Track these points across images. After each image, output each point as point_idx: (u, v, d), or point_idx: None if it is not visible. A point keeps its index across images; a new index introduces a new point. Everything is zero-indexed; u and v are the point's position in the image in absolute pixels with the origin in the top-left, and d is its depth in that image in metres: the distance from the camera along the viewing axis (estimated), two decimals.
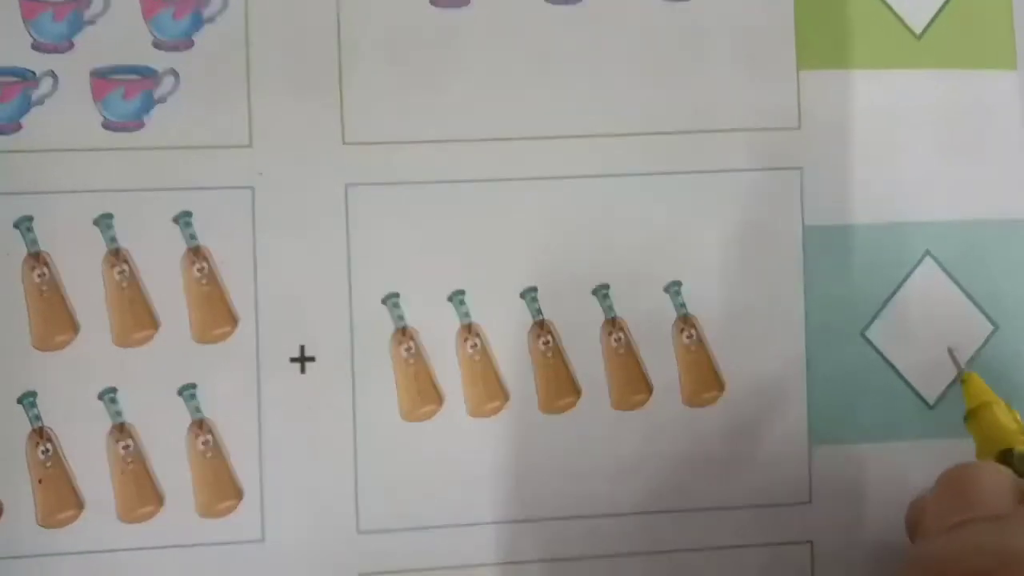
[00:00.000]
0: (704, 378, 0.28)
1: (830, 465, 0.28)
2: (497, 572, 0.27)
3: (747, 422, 0.28)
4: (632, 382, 0.28)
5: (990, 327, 0.29)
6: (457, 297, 0.28)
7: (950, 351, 0.25)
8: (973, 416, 0.23)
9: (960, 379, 0.24)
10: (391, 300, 0.28)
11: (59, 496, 0.26)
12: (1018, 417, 0.23)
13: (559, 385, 0.28)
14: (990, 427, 0.22)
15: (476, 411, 0.28)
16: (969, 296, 0.29)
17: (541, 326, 0.28)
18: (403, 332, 0.28)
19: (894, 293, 0.29)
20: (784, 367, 0.28)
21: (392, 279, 0.28)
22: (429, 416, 0.28)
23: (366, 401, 0.27)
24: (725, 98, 0.28)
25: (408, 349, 0.28)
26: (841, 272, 0.29)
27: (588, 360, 0.28)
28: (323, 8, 0.27)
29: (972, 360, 0.29)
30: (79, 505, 0.26)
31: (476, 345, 0.28)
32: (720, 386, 0.28)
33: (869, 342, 0.29)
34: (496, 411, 0.28)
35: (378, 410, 0.27)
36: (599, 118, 0.28)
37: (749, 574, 0.28)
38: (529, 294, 0.28)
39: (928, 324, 0.29)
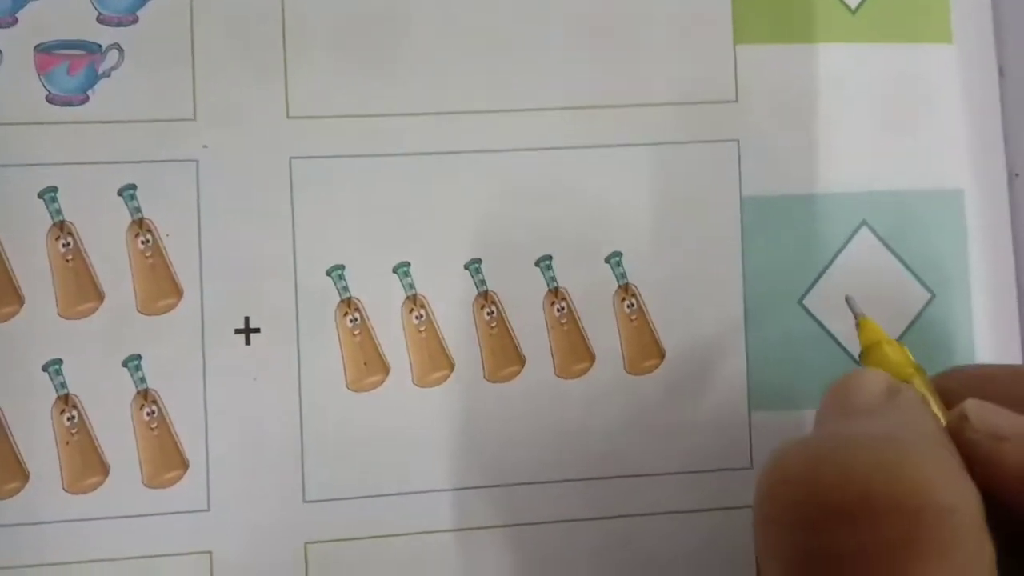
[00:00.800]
0: (645, 347, 0.29)
1: (770, 430, 0.29)
2: (444, 538, 0.28)
3: (687, 389, 0.29)
4: (575, 351, 0.29)
5: (927, 295, 0.30)
6: (402, 269, 0.29)
7: (847, 299, 0.25)
8: (866, 356, 0.24)
9: (857, 324, 0.25)
10: (336, 272, 0.28)
11: (4, 468, 0.26)
12: (909, 354, 0.24)
13: (503, 354, 0.29)
14: (881, 364, 0.23)
15: (422, 380, 0.28)
16: (906, 265, 0.30)
17: (485, 297, 0.29)
18: (348, 303, 0.28)
19: (831, 262, 0.30)
20: (723, 335, 0.29)
21: (337, 251, 0.28)
22: (375, 386, 0.28)
23: (311, 372, 0.28)
24: (662, 72, 0.29)
25: (353, 320, 0.28)
26: (778, 242, 0.29)
27: (532, 330, 0.29)
28: None
29: (910, 327, 0.30)
30: (24, 477, 0.27)
31: (421, 316, 0.29)
32: (660, 354, 0.29)
33: (807, 310, 0.30)
34: (442, 380, 0.29)
35: (324, 380, 0.28)
36: (539, 92, 0.29)
37: (696, 537, 0.29)
38: (473, 265, 0.29)
39: (865, 292, 0.30)
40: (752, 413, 0.29)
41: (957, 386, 0.23)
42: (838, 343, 0.30)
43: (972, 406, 0.20)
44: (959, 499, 0.17)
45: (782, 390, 0.29)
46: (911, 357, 0.24)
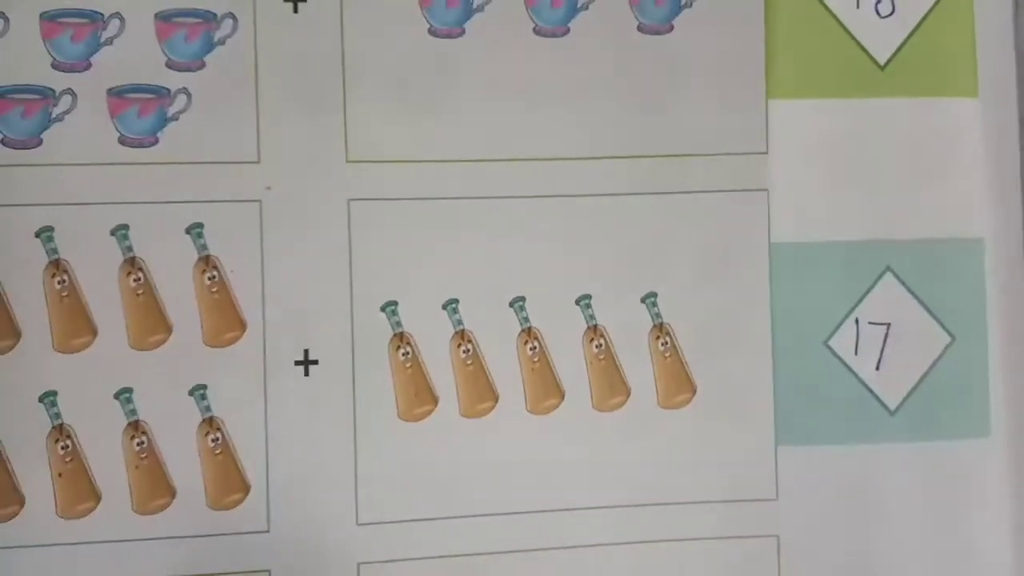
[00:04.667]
0: (677, 382, 0.32)
1: (795, 465, 0.32)
2: (485, 561, 0.31)
3: (717, 423, 0.32)
4: (611, 385, 0.32)
5: (947, 338, 0.33)
6: (451, 305, 0.31)
7: None
8: None
9: None
10: (389, 307, 0.31)
11: (77, 489, 0.29)
12: None
13: (545, 387, 0.32)
14: None
15: (468, 411, 0.31)
16: (928, 309, 0.33)
17: (528, 333, 0.32)
18: (400, 337, 0.31)
19: (856, 306, 0.33)
20: (751, 373, 0.32)
21: (390, 288, 0.31)
22: (424, 416, 0.31)
23: (365, 402, 0.31)
24: (699, 124, 0.32)
25: (405, 353, 0.31)
26: (805, 286, 0.32)
27: (571, 365, 0.32)
28: (329, 33, 0.31)
29: (931, 368, 0.33)
30: (96, 498, 0.30)
31: (468, 350, 0.31)
32: (692, 389, 0.32)
33: (832, 351, 0.32)
34: (487, 412, 0.31)
35: (377, 410, 0.31)
36: (581, 142, 0.32)
37: (720, 565, 0.32)
38: (517, 303, 0.32)
39: (888, 335, 0.33)
40: (778, 447, 0.32)
41: None
42: (862, 383, 0.32)
43: None
44: None
45: (807, 426, 0.32)
46: None
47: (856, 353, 0.33)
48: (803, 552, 0.32)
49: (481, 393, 0.32)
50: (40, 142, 0.30)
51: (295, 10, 0.31)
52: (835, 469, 0.32)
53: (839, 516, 0.32)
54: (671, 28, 0.32)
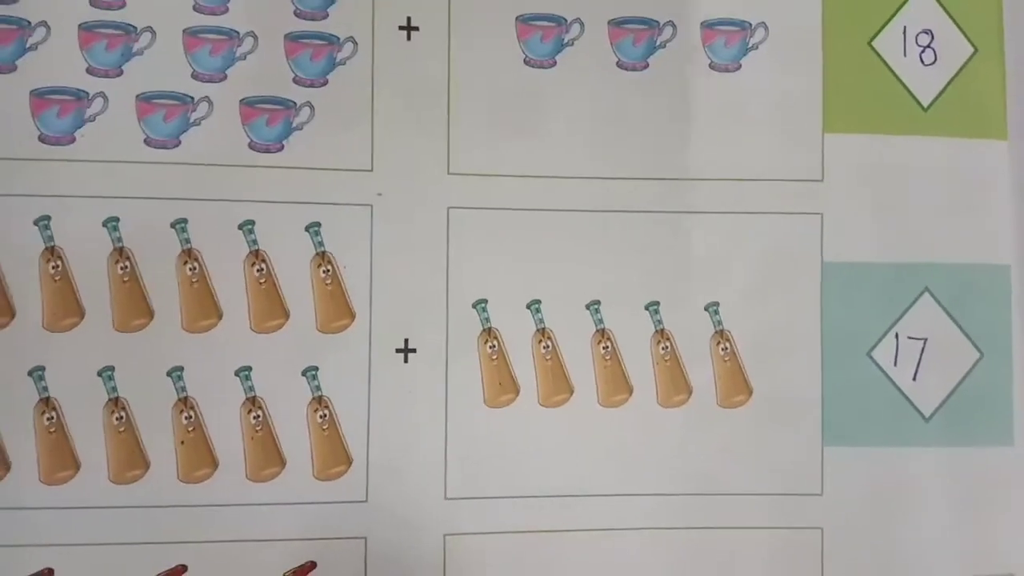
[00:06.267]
0: (735, 384, 0.36)
1: (840, 464, 0.36)
2: (559, 537, 0.35)
3: (770, 423, 0.36)
4: (674, 384, 0.36)
5: (976, 354, 0.37)
6: (534, 305, 0.35)
7: None
8: None
9: None
10: (480, 305, 0.35)
11: (199, 456, 0.33)
12: None
13: (615, 383, 0.36)
14: None
15: (546, 401, 0.35)
16: (960, 327, 0.37)
17: (602, 333, 0.36)
18: (489, 332, 0.35)
19: (897, 321, 0.37)
20: (802, 379, 0.36)
21: (482, 287, 0.35)
22: (507, 404, 0.35)
23: (456, 388, 0.35)
24: (762, 153, 0.36)
25: (492, 347, 0.35)
26: (852, 302, 0.36)
27: (640, 364, 0.36)
28: (437, 59, 0.35)
29: (962, 381, 0.37)
30: (214, 464, 0.33)
31: (548, 347, 0.35)
32: (748, 391, 0.36)
33: (875, 362, 0.36)
34: (563, 403, 0.35)
35: (465, 396, 0.35)
36: (656, 164, 0.36)
37: (769, 552, 0.36)
38: (593, 306, 0.36)
39: (925, 349, 0.36)
40: (825, 447, 0.36)
41: None
42: (900, 391, 0.36)
43: None
44: None
45: (851, 429, 0.36)
46: None
47: (895, 364, 0.37)
48: (844, 543, 0.36)
49: (558, 386, 0.35)
50: (179, 143, 0.34)
51: (408, 38, 0.35)
52: (875, 468, 0.36)
53: (877, 511, 0.36)
54: (739, 67, 0.36)
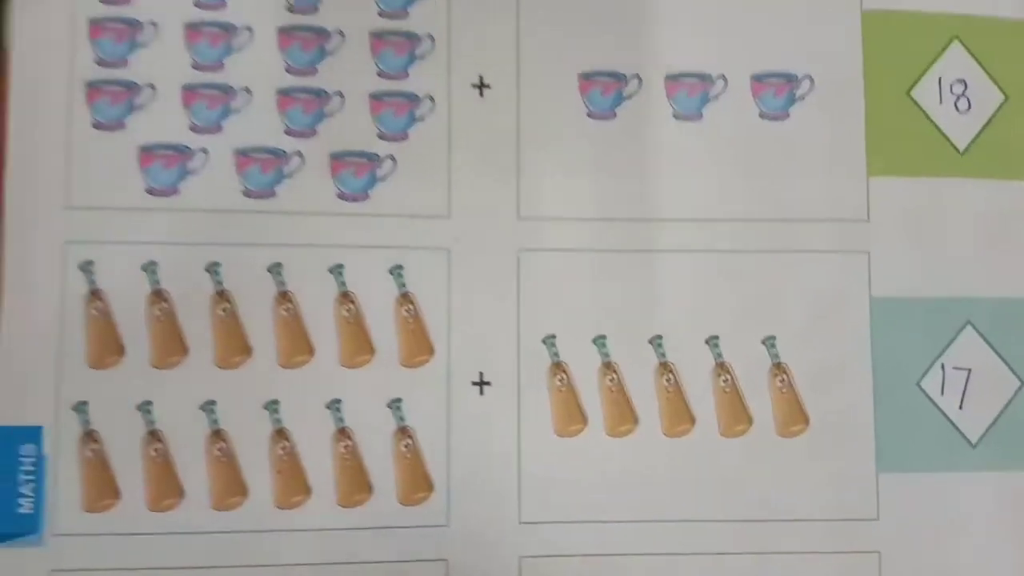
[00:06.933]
0: (792, 414, 0.38)
1: (894, 489, 0.38)
2: (627, 560, 0.37)
3: (826, 451, 0.38)
4: (735, 415, 0.38)
5: (1018, 383, 0.39)
6: (599, 340, 0.38)
7: None
8: None
9: None
10: (549, 340, 0.38)
11: (293, 484, 0.36)
12: None
13: (678, 415, 0.38)
14: None
15: (612, 431, 0.38)
16: (1001, 358, 0.39)
17: (664, 367, 0.38)
18: (557, 366, 0.38)
19: (942, 353, 0.39)
20: (855, 408, 0.38)
21: (550, 323, 0.38)
22: (576, 434, 0.37)
23: (528, 419, 0.37)
24: (811, 196, 0.39)
25: (561, 379, 0.37)
26: (901, 334, 0.39)
27: (701, 396, 0.38)
28: (507, 113, 0.38)
29: (1004, 408, 0.39)
30: (308, 491, 0.36)
31: (613, 379, 0.38)
32: (805, 421, 0.38)
33: (923, 391, 0.39)
34: (628, 433, 0.38)
35: (537, 426, 0.37)
36: (711, 208, 0.39)
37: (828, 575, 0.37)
38: (656, 341, 0.38)
39: (969, 379, 0.39)
40: (879, 473, 0.38)
41: None
42: (948, 419, 0.39)
43: None
44: None
45: (903, 455, 0.38)
46: None
47: (942, 393, 0.39)
48: (901, 566, 0.38)
49: (623, 416, 0.38)
50: (274, 194, 0.37)
51: (481, 95, 0.38)
52: (927, 493, 0.38)
53: (931, 534, 0.38)
54: (787, 115, 0.39)
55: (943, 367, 0.39)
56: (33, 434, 0.35)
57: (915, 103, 0.40)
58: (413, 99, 0.38)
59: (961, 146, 0.40)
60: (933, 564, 0.38)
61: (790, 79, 0.40)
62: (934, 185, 0.40)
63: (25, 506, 0.35)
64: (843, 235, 0.39)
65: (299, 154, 0.37)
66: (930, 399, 0.39)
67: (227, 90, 0.37)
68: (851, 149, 0.40)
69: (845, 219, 0.39)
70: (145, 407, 0.35)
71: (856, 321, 0.39)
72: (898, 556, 0.38)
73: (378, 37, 0.38)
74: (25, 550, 0.35)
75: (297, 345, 0.37)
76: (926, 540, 0.38)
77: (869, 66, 0.40)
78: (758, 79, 0.39)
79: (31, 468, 0.35)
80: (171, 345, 0.36)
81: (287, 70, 0.38)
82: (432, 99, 0.38)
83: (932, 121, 0.40)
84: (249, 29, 0.38)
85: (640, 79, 0.39)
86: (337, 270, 0.37)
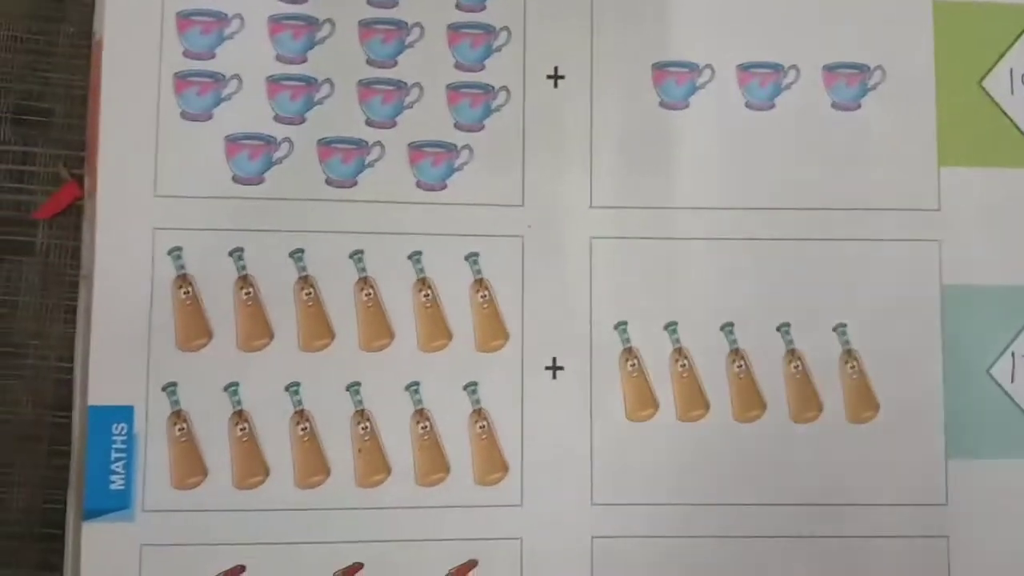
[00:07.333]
0: (863, 401, 0.39)
1: (963, 475, 0.38)
2: (694, 542, 0.38)
3: (897, 437, 0.38)
4: (806, 402, 0.39)
5: None
6: (671, 327, 0.39)
7: None
8: None
9: None
10: (621, 327, 0.38)
11: (374, 463, 0.37)
12: None
13: (749, 401, 0.39)
14: None
15: (683, 417, 0.38)
16: None
17: (736, 353, 0.39)
18: (629, 352, 0.38)
19: (1012, 341, 0.39)
20: (926, 395, 0.39)
21: (622, 311, 0.39)
22: (648, 418, 0.38)
23: (600, 403, 0.38)
24: (884, 185, 0.40)
25: (633, 365, 0.38)
26: (971, 322, 0.39)
27: (772, 382, 0.39)
28: (580, 104, 0.39)
29: None
30: (388, 470, 0.37)
31: (685, 365, 0.38)
32: (876, 407, 0.38)
33: (993, 379, 0.39)
34: (699, 418, 0.38)
35: (609, 411, 0.38)
36: (786, 195, 0.39)
37: (897, 560, 0.38)
38: (727, 328, 0.39)
39: None
40: (948, 460, 0.38)
41: None
42: (1018, 406, 0.39)
43: None
44: None
45: (972, 442, 0.39)
46: None
47: (1012, 381, 0.39)
48: (970, 551, 0.38)
49: (694, 402, 0.38)
50: (356, 183, 0.38)
51: (555, 85, 0.39)
52: (996, 479, 0.38)
53: (1001, 520, 0.38)
54: (859, 106, 0.40)
55: (1013, 355, 0.39)
56: (125, 414, 0.37)
57: (987, 94, 0.40)
58: (489, 90, 0.39)
59: None
60: (1001, 550, 0.38)
61: (862, 70, 0.40)
62: (1005, 175, 0.40)
63: (117, 483, 0.37)
64: (915, 224, 0.39)
65: (379, 144, 0.38)
66: (1000, 386, 0.39)
67: (310, 81, 0.39)
68: (922, 139, 0.40)
69: (917, 208, 0.40)
70: (232, 388, 0.37)
71: (927, 309, 0.39)
72: (966, 541, 0.38)
73: (455, 30, 0.39)
74: (116, 525, 0.36)
75: (377, 329, 0.38)
76: (994, 526, 0.38)
77: (940, 57, 0.40)
78: (830, 70, 0.40)
79: (122, 446, 0.37)
80: (256, 329, 0.37)
81: (367, 62, 0.39)
82: (508, 90, 0.39)
83: (1004, 112, 0.40)
84: (331, 22, 0.39)
85: (713, 69, 0.40)
86: (415, 257, 0.38)
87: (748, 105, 0.40)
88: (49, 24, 0.40)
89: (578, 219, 0.39)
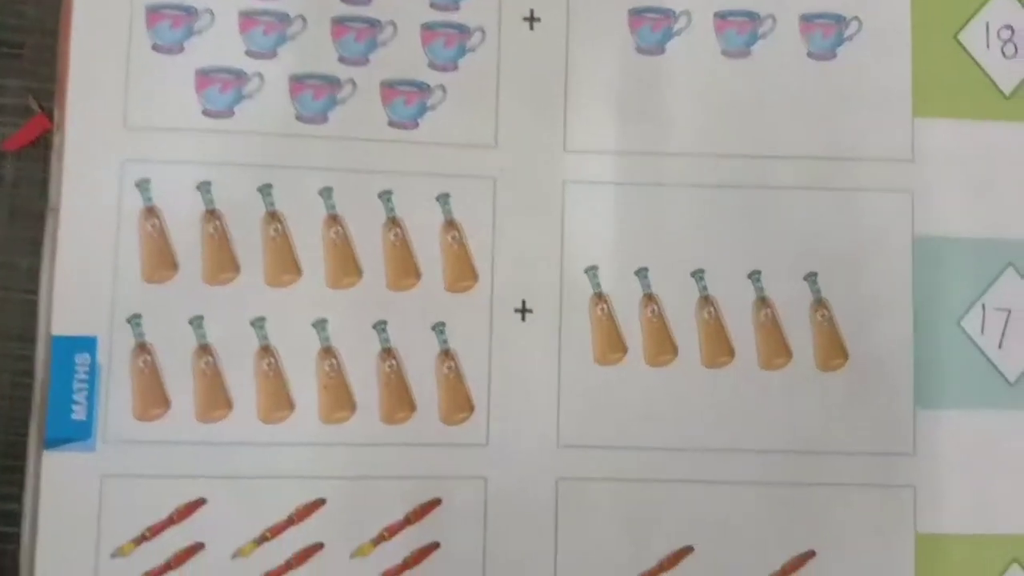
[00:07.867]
0: (833, 349, 0.39)
1: (931, 425, 0.38)
2: (661, 486, 0.37)
3: (866, 386, 0.38)
4: (776, 349, 0.39)
5: None
6: (642, 272, 0.39)
7: None
8: None
9: None
10: (591, 271, 0.38)
11: (339, 400, 0.37)
12: None
13: (718, 347, 0.39)
14: None
15: (652, 361, 0.38)
16: None
17: (706, 300, 0.39)
18: (599, 296, 0.38)
19: (983, 293, 0.39)
20: (896, 345, 0.39)
21: (593, 255, 0.39)
22: (616, 362, 0.38)
23: (569, 347, 0.38)
24: (857, 135, 0.40)
25: (602, 309, 0.38)
26: (942, 274, 0.39)
27: (742, 329, 0.39)
28: (556, 47, 0.39)
29: None
30: (353, 408, 0.37)
31: (654, 310, 0.38)
32: (845, 356, 0.39)
33: (963, 330, 0.39)
34: (668, 363, 0.38)
35: (577, 354, 0.38)
36: (758, 144, 0.39)
37: (864, 508, 0.38)
38: (697, 274, 0.39)
39: (1009, 320, 0.39)
40: (916, 409, 0.38)
41: None
42: (987, 358, 0.39)
43: None
44: None
45: (942, 393, 0.39)
46: None
47: (982, 333, 0.39)
48: (936, 501, 0.38)
49: (663, 347, 0.38)
50: (326, 119, 0.38)
51: (531, 28, 0.39)
52: (964, 429, 0.38)
53: (967, 470, 0.38)
54: (834, 56, 0.40)
55: (983, 307, 0.39)
56: (88, 344, 0.37)
57: (962, 47, 0.40)
58: (464, 30, 0.39)
59: (1007, 90, 0.40)
60: (968, 499, 0.38)
61: (838, 20, 0.40)
62: (979, 128, 0.40)
63: (78, 413, 0.36)
64: (888, 174, 0.39)
65: (351, 81, 0.38)
66: (970, 338, 0.39)
67: (283, 17, 0.38)
68: (897, 90, 0.40)
69: (890, 158, 0.40)
70: (197, 321, 0.37)
71: (898, 260, 0.39)
72: (933, 491, 0.38)
73: None
74: (77, 455, 0.36)
75: (345, 267, 0.37)
76: (961, 476, 0.38)
77: (916, 9, 0.40)
78: (807, 19, 0.40)
79: (85, 377, 0.36)
80: (223, 263, 0.37)
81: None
82: (483, 31, 0.39)
83: (979, 65, 0.40)
84: None
85: (689, 16, 0.40)
86: (386, 196, 0.38)
87: (724, 53, 0.40)
88: None
89: (552, 162, 0.39)
